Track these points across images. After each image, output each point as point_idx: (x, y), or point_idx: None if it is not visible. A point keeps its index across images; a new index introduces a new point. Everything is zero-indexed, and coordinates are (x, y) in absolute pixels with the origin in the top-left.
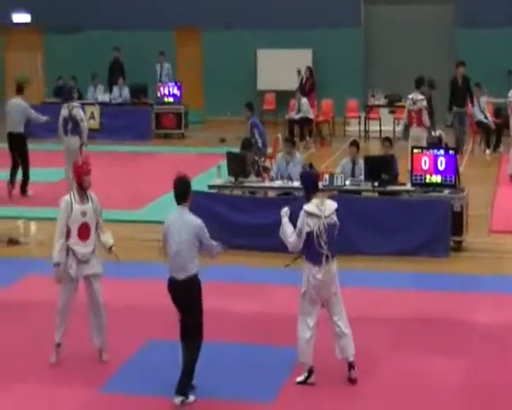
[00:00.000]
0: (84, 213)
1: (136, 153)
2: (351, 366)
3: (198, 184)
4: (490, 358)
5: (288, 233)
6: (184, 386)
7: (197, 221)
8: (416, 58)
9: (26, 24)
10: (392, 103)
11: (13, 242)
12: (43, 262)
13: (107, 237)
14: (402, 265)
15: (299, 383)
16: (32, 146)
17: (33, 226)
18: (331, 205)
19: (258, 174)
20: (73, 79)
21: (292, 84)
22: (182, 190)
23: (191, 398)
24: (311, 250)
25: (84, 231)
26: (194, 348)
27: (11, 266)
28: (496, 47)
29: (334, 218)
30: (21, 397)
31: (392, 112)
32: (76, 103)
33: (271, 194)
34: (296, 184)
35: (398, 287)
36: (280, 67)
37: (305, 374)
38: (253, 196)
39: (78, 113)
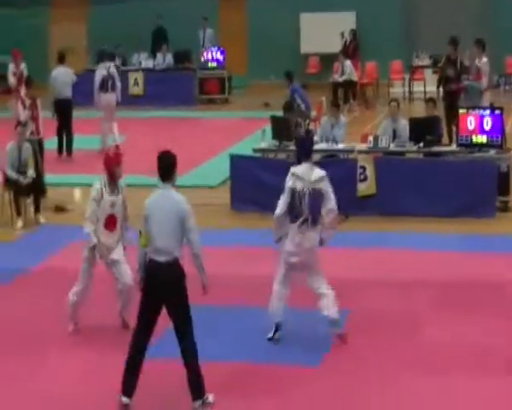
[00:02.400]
0: (113, 205)
1: (180, 118)
2: (334, 323)
3: (242, 148)
4: None
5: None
6: (200, 388)
7: (184, 203)
8: (460, 17)
9: None
10: (437, 63)
11: (59, 209)
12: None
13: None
14: (447, 226)
15: (270, 339)
16: (75, 113)
17: (79, 193)
18: (319, 172)
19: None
20: (119, 47)
21: (335, 47)
22: (166, 166)
23: (210, 397)
24: (291, 210)
25: (110, 222)
26: (193, 344)
27: (58, 233)
28: None
29: (321, 185)
30: (54, 362)
31: (436, 72)
32: (112, 63)
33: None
34: (341, 146)
35: (444, 249)
36: (323, 31)
37: (274, 329)
38: None
39: (115, 71)
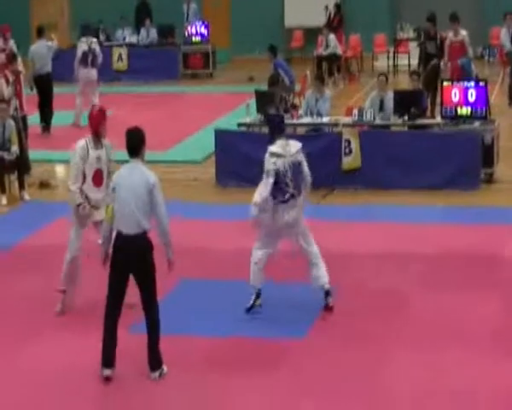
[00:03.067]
0: (98, 159)
1: (164, 93)
2: (327, 293)
3: (227, 122)
4: None
5: (259, 190)
6: (158, 360)
7: (152, 176)
8: None
9: None
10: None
11: (44, 185)
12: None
13: None
14: (432, 199)
15: (249, 308)
16: (59, 89)
17: (64, 169)
18: (296, 145)
19: (286, 111)
20: (101, 22)
21: (319, 20)
22: (134, 142)
23: (165, 368)
24: (277, 189)
25: (98, 177)
26: (157, 319)
27: (43, 209)
28: None
29: (299, 157)
30: (51, 343)
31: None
32: (94, 39)
33: (300, 130)
34: (325, 120)
35: (430, 221)
36: (307, 4)
37: (252, 297)
38: None
39: (97, 47)
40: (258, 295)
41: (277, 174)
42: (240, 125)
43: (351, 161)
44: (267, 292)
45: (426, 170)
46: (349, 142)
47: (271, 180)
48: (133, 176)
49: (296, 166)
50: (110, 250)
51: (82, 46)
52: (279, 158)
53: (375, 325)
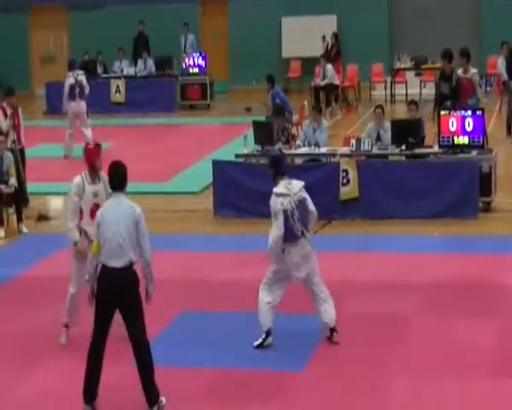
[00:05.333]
0: (95, 194)
1: (162, 125)
2: (333, 330)
3: (224, 153)
4: None
5: (271, 233)
6: (155, 394)
7: (137, 207)
8: (442, 20)
9: (49, 1)
10: (419, 66)
11: (42, 217)
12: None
13: None
14: (431, 228)
15: (258, 346)
16: (55, 122)
17: (61, 201)
18: (298, 184)
19: (287, 141)
20: (99, 54)
21: (317, 50)
22: (117, 176)
23: (163, 399)
24: (286, 230)
25: (95, 212)
26: (149, 354)
27: (41, 242)
28: None
29: (303, 194)
30: (53, 374)
31: (418, 74)
32: (81, 71)
33: (298, 161)
34: (323, 150)
35: (428, 250)
36: (305, 35)
37: (263, 336)
38: None
39: (84, 79)
40: (268, 334)
41: (285, 214)
42: (237, 156)
43: (348, 190)
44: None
45: (423, 199)
46: (347, 172)
47: (281, 219)
48: (119, 209)
49: (302, 204)
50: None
51: (69, 80)
52: (285, 198)
53: (375, 355)
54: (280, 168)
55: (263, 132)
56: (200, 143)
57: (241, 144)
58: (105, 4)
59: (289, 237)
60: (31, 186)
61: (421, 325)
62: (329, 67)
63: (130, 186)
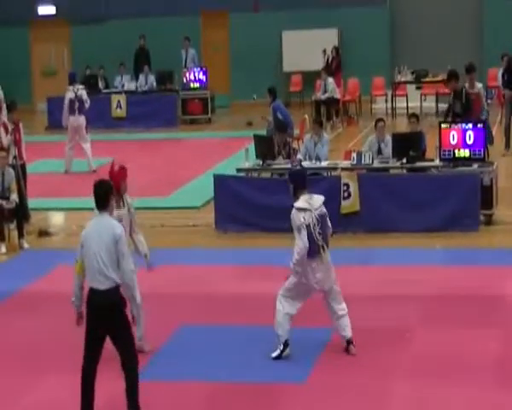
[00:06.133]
0: (119, 219)
1: (163, 140)
2: (349, 342)
3: (226, 168)
4: None
5: (295, 247)
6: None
7: (118, 228)
8: (443, 33)
9: (51, 16)
10: (419, 79)
11: (43, 233)
12: (74, 253)
13: (142, 245)
14: (431, 241)
15: (276, 358)
16: (56, 137)
17: (63, 217)
18: (319, 198)
19: (289, 156)
20: (101, 68)
21: (318, 64)
22: (100, 195)
23: None
24: (308, 244)
25: None
26: (135, 371)
27: (42, 257)
28: None
29: (323, 209)
30: (55, 388)
31: (419, 87)
32: (81, 86)
33: None
34: (324, 164)
35: (429, 263)
36: (305, 48)
37: (281, 347)
38: (280, 177)
39: (84, 94)
40: (285, 346)
41: (307, 229)
42: (239, 170)
43: (349, 204)
44: (268, 336)
45: (425, 212)
46: (348, 185)
47: (304, 232)
48: (101, 229)
49: (323, 219)
50: (83, 308)
51: (68, 94)
52: (306, 213)
53: (378, 366)
54: (301, 182)
55: (264, 146)
56: (201, 158)
57: (242, 158)
58: (107, 18)
59: (312, 251)
60: (32, 202)
61: (423, 337)
62: (330, 80)
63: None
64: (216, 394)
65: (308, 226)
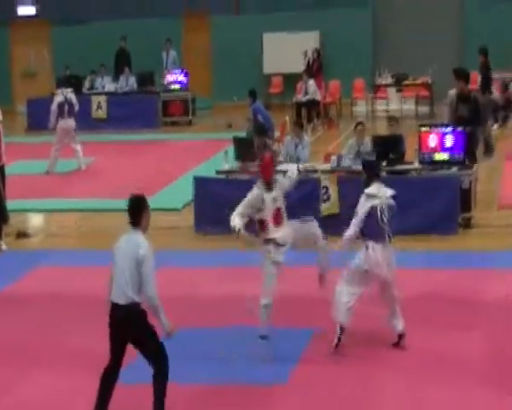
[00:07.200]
0: (275, 200)
1: (144, 141)
2: (402, 336)
3: (206, 169)
4: (502, 332)
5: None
6: None
7: (143, 248)
8: (423, 36)
9: (31, 17)
10: (400, 82)
11: (21, 234)
12: (53, 254)
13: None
14: (411, 243)
15: (336, 345)
16: (36, 138)
17: (42, 218)
18: (388, 190)
19: None
20: (93, 73)
21: (299, 66)
22: (133, 211)
23: None
24: (374, 228)
25: (278, 217)
26: (164, 373)
27: (21, 259)
28: None
29: (392, 201)
30: (44, 388)
31: (399, 91)
32: (69, 89)
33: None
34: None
35: (408, 266)
36: (286, 50)
37: (339, 331)
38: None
39: (73, 97)
40: (342, 330)
41: (372, 213)
42: (218, 172)
43: (329, 206)
44: (250, 336)
45: (404, 215)
46: (327, 188)
47: (359, 220)
48: (128, 248)
49: (391, 210)
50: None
51: (57, 98)
52: (375, 198)
53: (360, 366)
54: (375, 171)
55: (244, 148)
56: (181, 160)
57: (222, 160)
58: (88, 19)
59: (378, 236)
60: (10, 203)
61: (409, 338)
62: (311, 82)
63: (111, 203)
64: (198, 396)
65: (376, 210)
